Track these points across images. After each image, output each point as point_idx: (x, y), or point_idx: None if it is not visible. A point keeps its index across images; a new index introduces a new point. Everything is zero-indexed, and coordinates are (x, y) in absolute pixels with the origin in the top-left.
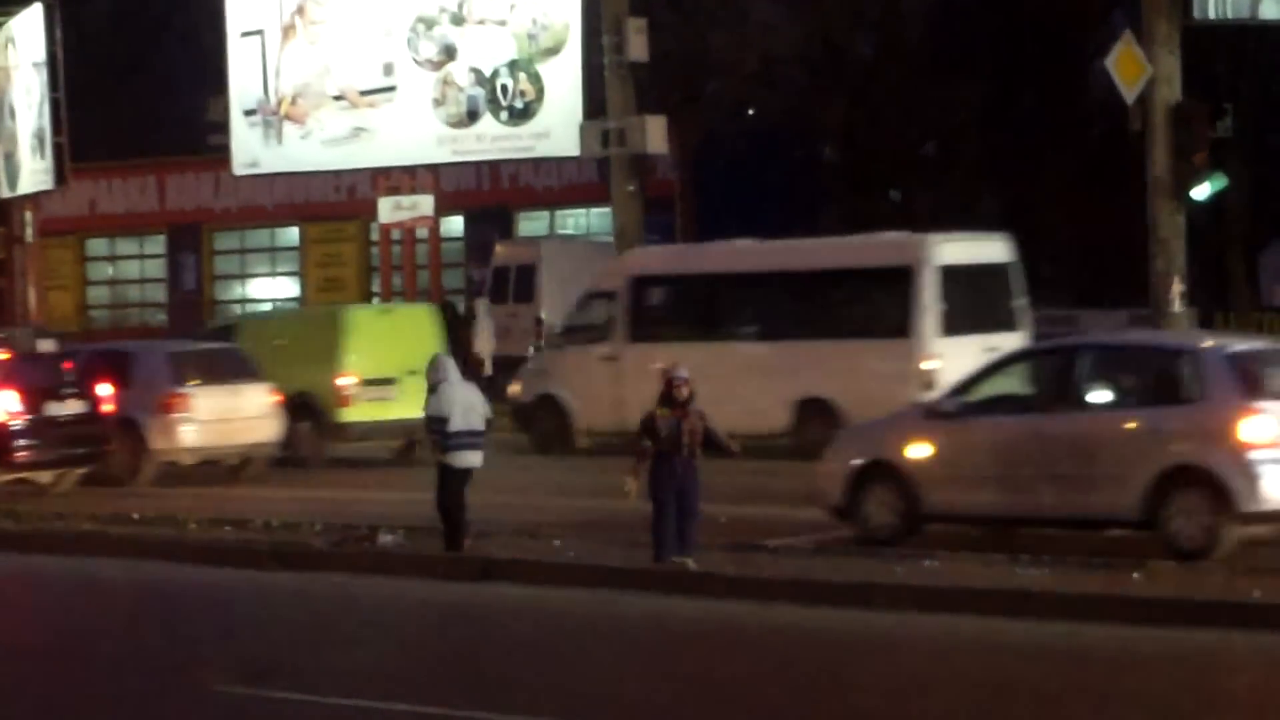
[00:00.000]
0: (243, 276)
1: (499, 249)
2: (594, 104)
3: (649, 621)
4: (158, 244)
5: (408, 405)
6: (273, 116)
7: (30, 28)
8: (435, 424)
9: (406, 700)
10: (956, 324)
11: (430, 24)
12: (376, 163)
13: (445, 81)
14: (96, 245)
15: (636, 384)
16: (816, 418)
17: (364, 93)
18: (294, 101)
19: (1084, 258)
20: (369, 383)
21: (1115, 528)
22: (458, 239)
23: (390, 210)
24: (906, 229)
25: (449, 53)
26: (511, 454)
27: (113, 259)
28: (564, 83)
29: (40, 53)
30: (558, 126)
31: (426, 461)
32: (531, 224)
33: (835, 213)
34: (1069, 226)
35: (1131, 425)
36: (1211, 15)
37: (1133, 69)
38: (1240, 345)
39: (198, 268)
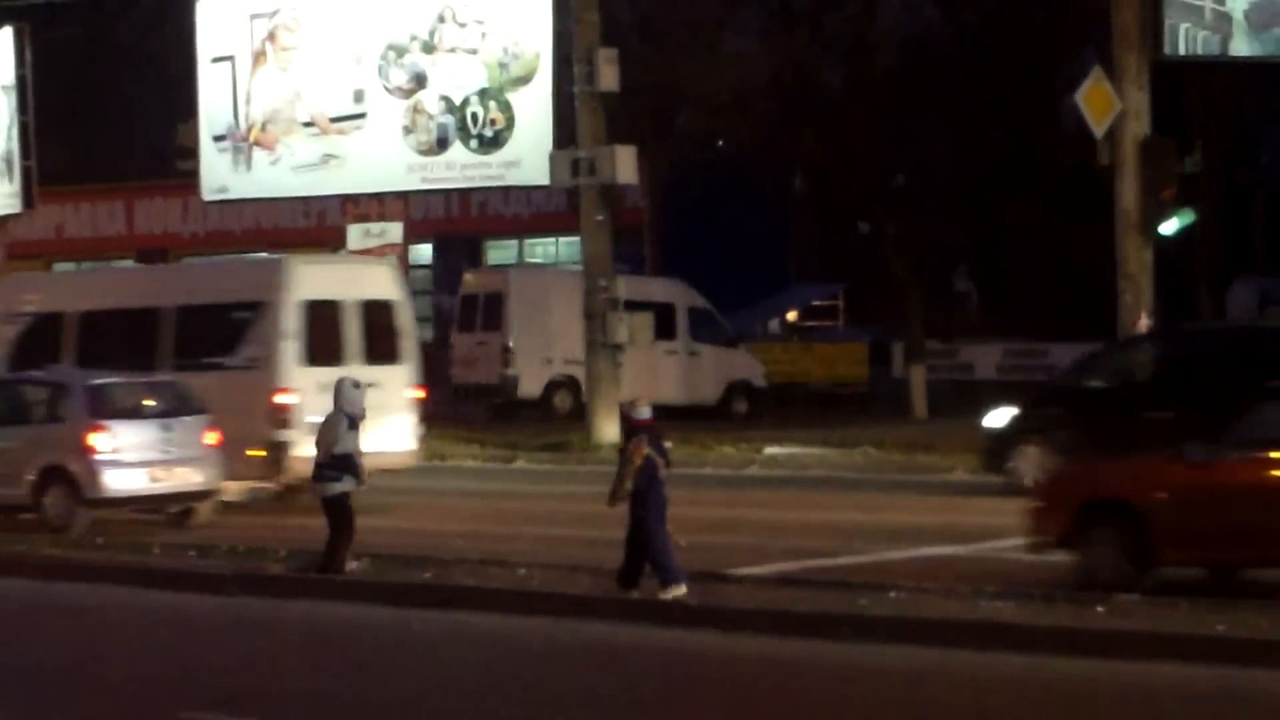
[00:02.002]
0: None
1: (467, 277)
2: (564, 133)
3: (609, 649)
4: None
5: None
6: (242, 143)
7: (0, 51)
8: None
9: None
10: (323, 356)
11: (401, 52)
12: (346, 190)
13: (415, 109)
14: (64, 269)
15: None
16: None
17: (334, 119)
18: (264, 128)
19: (1052, 291)
20: None
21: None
22: (426, 267)
23: (359, 237)
24: (875, 261)
25: (420, 80)
26: None
27: None
28: (534, 112)
29: (9, 76)
30: (528, 155)
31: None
32: (500, 253)
33: (804, 243)
34: (1037, 260)
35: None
36: (1182, 51)
37: (1102, 104)
38: (96, 379)
39: None
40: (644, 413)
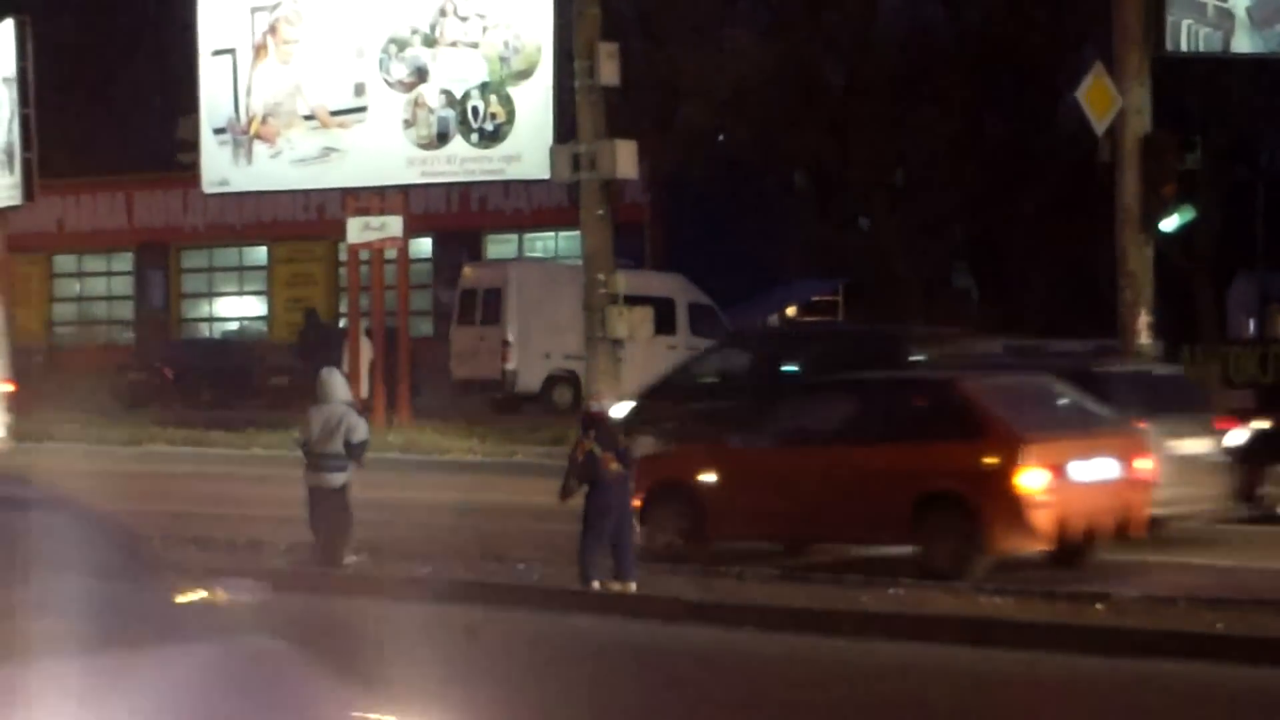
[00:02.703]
0: (210, 295)
1: (467, 271)
2: (565, 128)
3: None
4: (125, 261)
5: None
6: (243, 135)
7: (1, 42)
8: (300, 445)
9: None
10: None
11: (402, 45)
12: (346, 183)
13: (416, 103)
14: (64, 262)
15: None
16: None
17: (334, 113)
18: (264, 121)
19: (1052, 288)
20: None
21: None
22: (426, 260)
23: (359, 231)
24: (875, 256)
25: (420, 74)
26: None
27: (80, 276)
28: (535, 106)
29: (11, 68)
30: (528, 150)
31: None
32: (500, 247)
33: (804, 239)
34: (1038, 256)
35: None
36: (1184, 48)
37: (1103, 100)
38: None
39: (165, 285)
40: (597, 406)
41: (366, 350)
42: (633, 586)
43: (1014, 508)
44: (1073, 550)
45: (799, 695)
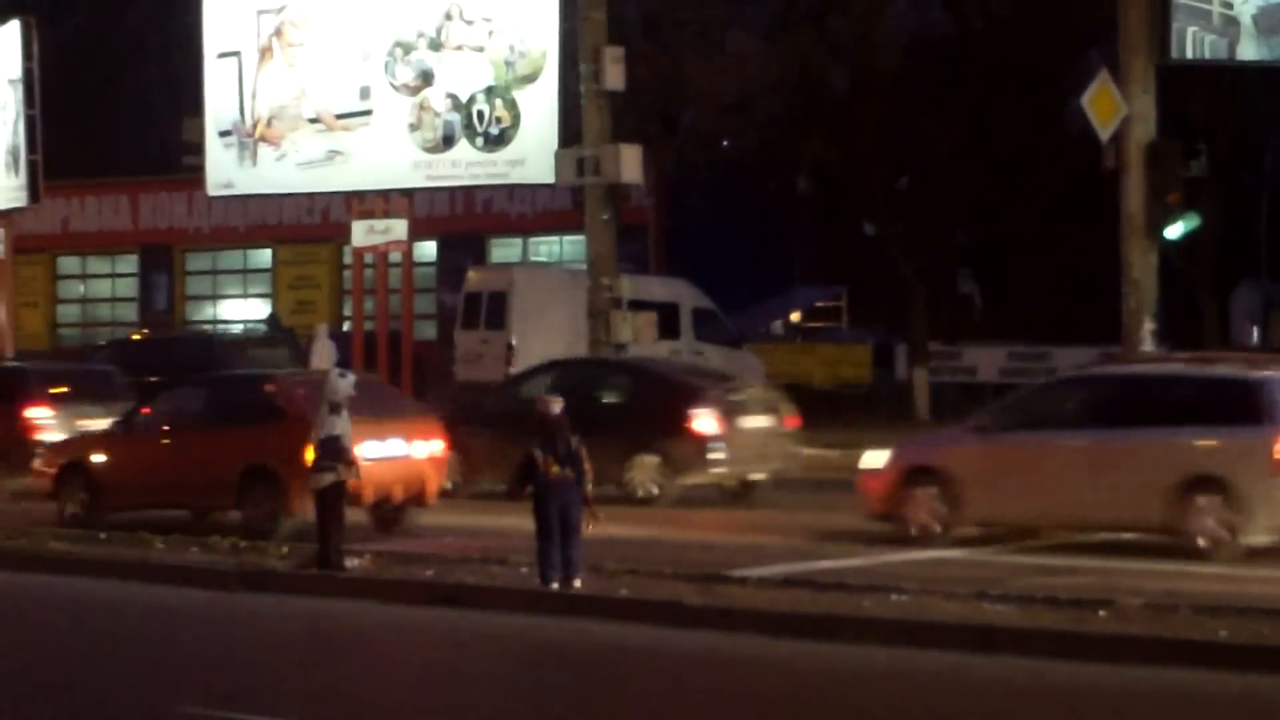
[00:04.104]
0: (214, 297)
1: (471, 275)
2: (570, 132)
3: (613, 649)
4: (130, 263)
5: None
6: (248, 138)
7: (6, 44)
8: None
9: None
10: None
11: (408, 49)
12: (351, 186)
13: (421, 106)
14: (68, 263)
15: None
16: None
17: (340, 116)
18: (269, 123)
19: (1057, 294)
20: None
21: None
22: (430, 264)
23: (363, 234)
24: (879, 262)
25: (426, 78)
26: None
27: (84, 277)
28: (540, 110)
29: (16, 69)
30: (533, 154)
31: None
32: (504, 250)
33: (808, 244)
34: (1042, 262)
35: None
36: (1189, 55)
37: (1108, 107)
38: None
39: (169, 288)
40: (545, 409)
41: (329, 352)
42: (577, 583)
43: (305, 479)
44: (386, 518)
45: (799, 700)
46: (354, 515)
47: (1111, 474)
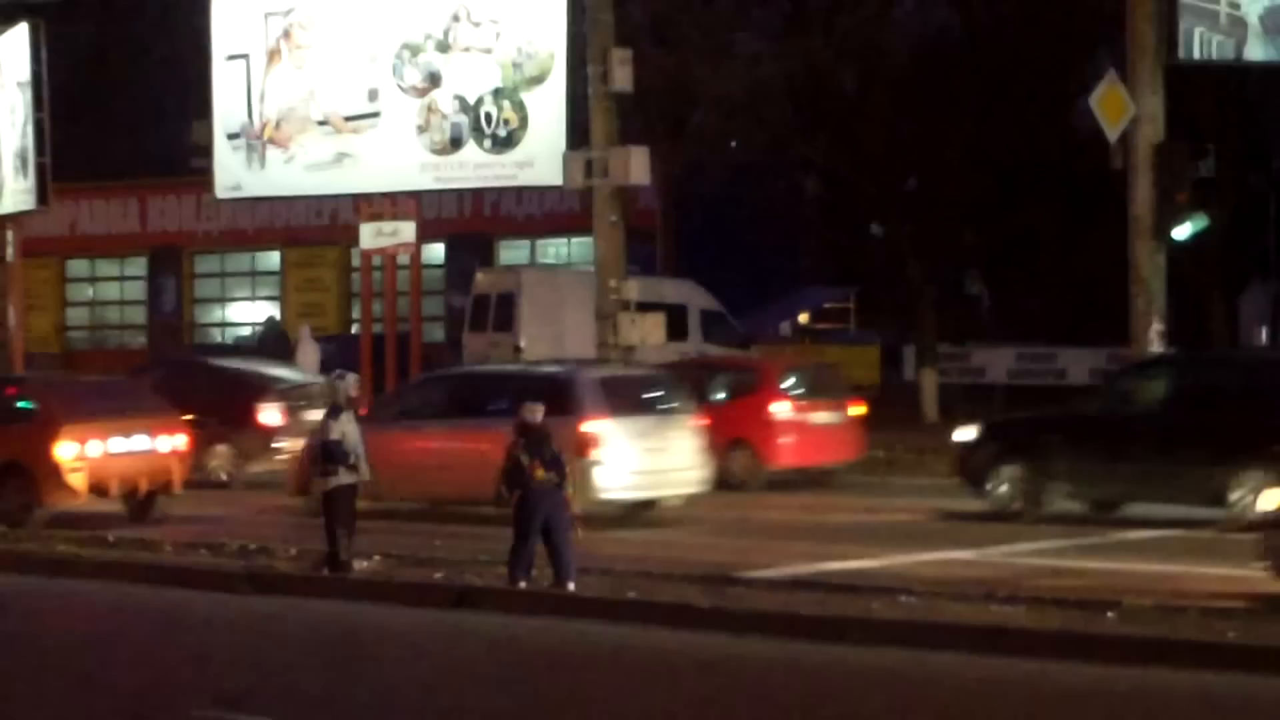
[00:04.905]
0: (223, 300)
1: (479, 277)
2: (577, 134)
3: (617, 652)
4: (138, 266)
5: None
6: (256, 140)
7: (15, 47)
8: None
9: None
10: None
11: (416, 51)
12: (359, 188)
13: (429, 108)
14: (77, 266)
15: None
16: None
17: (348, 118)
18: (278, 126)
19: (1065, 294)
20: None
21: None
22: (439, 266)
23: (372, 236)
24: (887, 263)
25: (434, 80)
26: None
27: (93, 280)
28: (548, 112)
29: (25, 72)
30: (541, 156)
31: None
32: (512, 253)
33: (816, 245)
34: (1050, 263)
35: None
36: (1196, 56)
37: (1117, 108)
38: None
39: (178, 290)
40: (529, 415)
41: (314, 352)
42: (570, 587)
43: (56, 473)
44: (137, 507)
45: (807, 703)
46: (108, 505)
47: (457, 458)
